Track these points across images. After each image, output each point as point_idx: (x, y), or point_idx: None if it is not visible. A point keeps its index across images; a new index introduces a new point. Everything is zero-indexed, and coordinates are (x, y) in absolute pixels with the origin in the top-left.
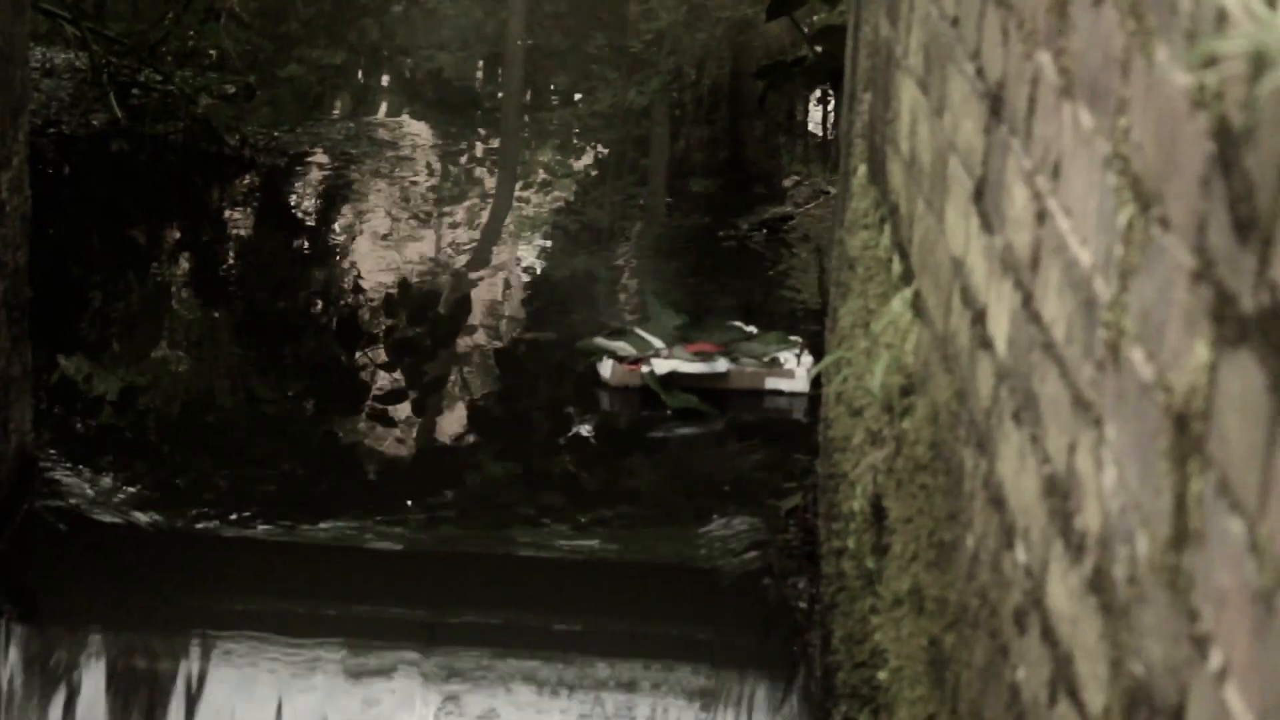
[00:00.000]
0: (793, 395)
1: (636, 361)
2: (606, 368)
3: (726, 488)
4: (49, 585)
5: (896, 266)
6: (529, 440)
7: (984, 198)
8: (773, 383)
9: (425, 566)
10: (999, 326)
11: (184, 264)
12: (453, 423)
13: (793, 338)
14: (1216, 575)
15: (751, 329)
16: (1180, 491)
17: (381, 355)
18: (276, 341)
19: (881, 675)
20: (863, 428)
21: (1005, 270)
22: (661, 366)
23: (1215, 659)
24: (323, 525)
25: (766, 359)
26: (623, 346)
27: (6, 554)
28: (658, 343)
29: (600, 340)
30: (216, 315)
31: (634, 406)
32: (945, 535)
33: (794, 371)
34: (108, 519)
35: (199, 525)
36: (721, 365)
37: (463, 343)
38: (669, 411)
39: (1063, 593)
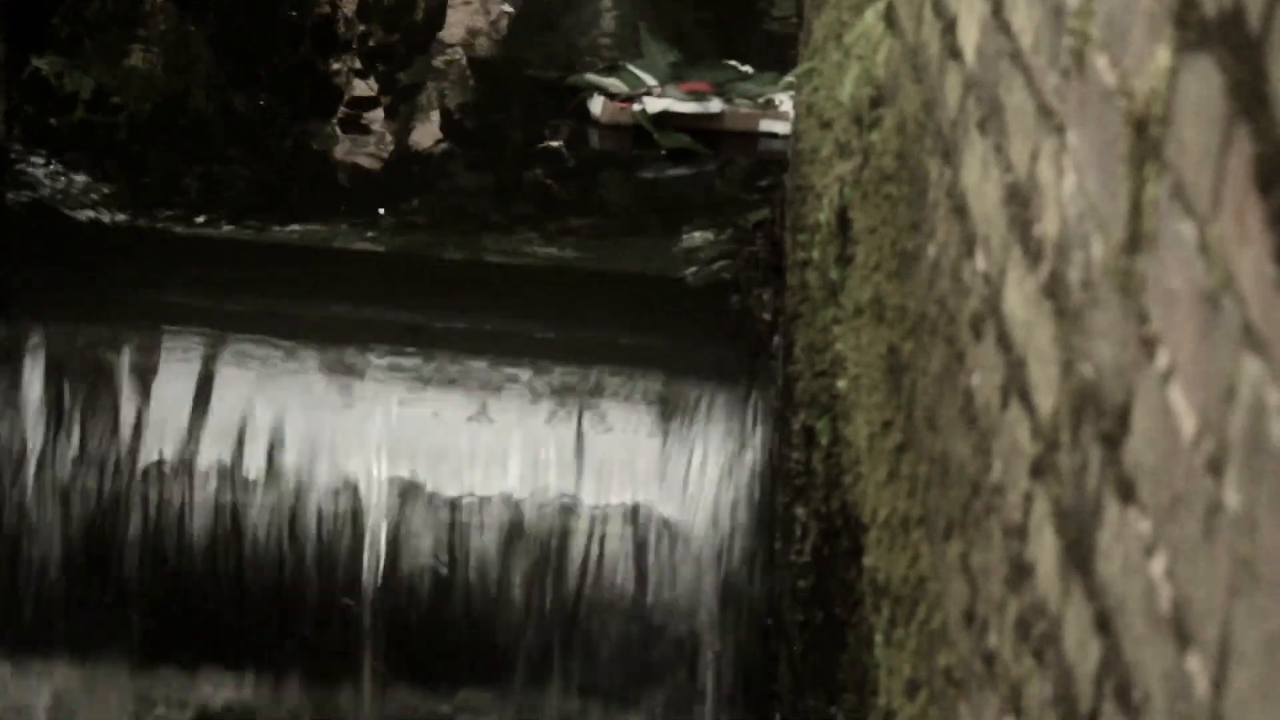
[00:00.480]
0: (787, 138)
1: (629, 99)
2: (597, 104)
3: (697, 202)
4: (18, 277)
5: None
6: (502, 152)
7: None
8: (767, 124)
9: (395, 269)
10: (968, 36)
11: None
12: (426, 132)
13: (788, 78)
14: (1167, 277)
15: (747, 69)
16: (1136, 196)
17: (355, 62)
18: (251, 46)
19: (840, 383)
20: (831, 139)
21: None
22: (654, 105)
23: (1162, 359)
24: (293, 228)
25: (761, 100)
26: (614, 83)
27: None
28: (650, 80)
29: (591, 76)
30: (192, 19)
31: (625, 145)
32: (908, 245)
33: (788, 113)
34: (78, 214)
35: (167, 224)
36: (715, 105)
37: (439, 55)
38: (662, 151)
39: (1019, 299)
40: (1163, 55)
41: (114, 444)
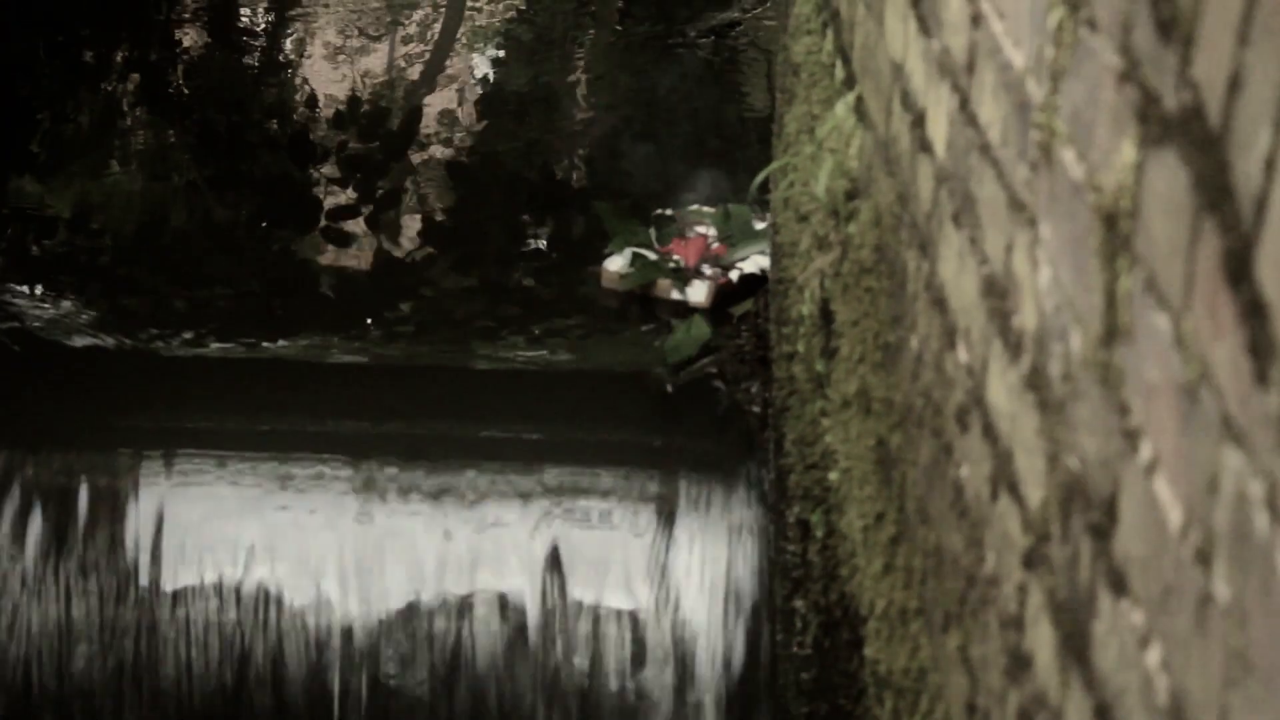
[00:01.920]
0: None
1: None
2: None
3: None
4: (7, 407)
5: (839, 72)
6: (485, 252)
7: (921, 1)
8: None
9: (385, 381)
10: (938, 130)
11: (134, 82)
12: (407, 237)
13: (759, 225)
14: (1145, 369)
15: (708, 210)
16: (1110, 289)
17: (334, 171)
18: (229, 159)
19: (832, 476)
20: (809, 232)
21: (943, 74)
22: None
23: (1145, 451)
24: (281, 343)
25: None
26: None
27: None
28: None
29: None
30: (168, 133)
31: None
32: (890, 337)
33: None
34: (64, 341)
35: (155, 345)
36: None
37: (416, 156)
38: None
39: (1002, 390)
40: (1128, 150)
41: (114, 570)
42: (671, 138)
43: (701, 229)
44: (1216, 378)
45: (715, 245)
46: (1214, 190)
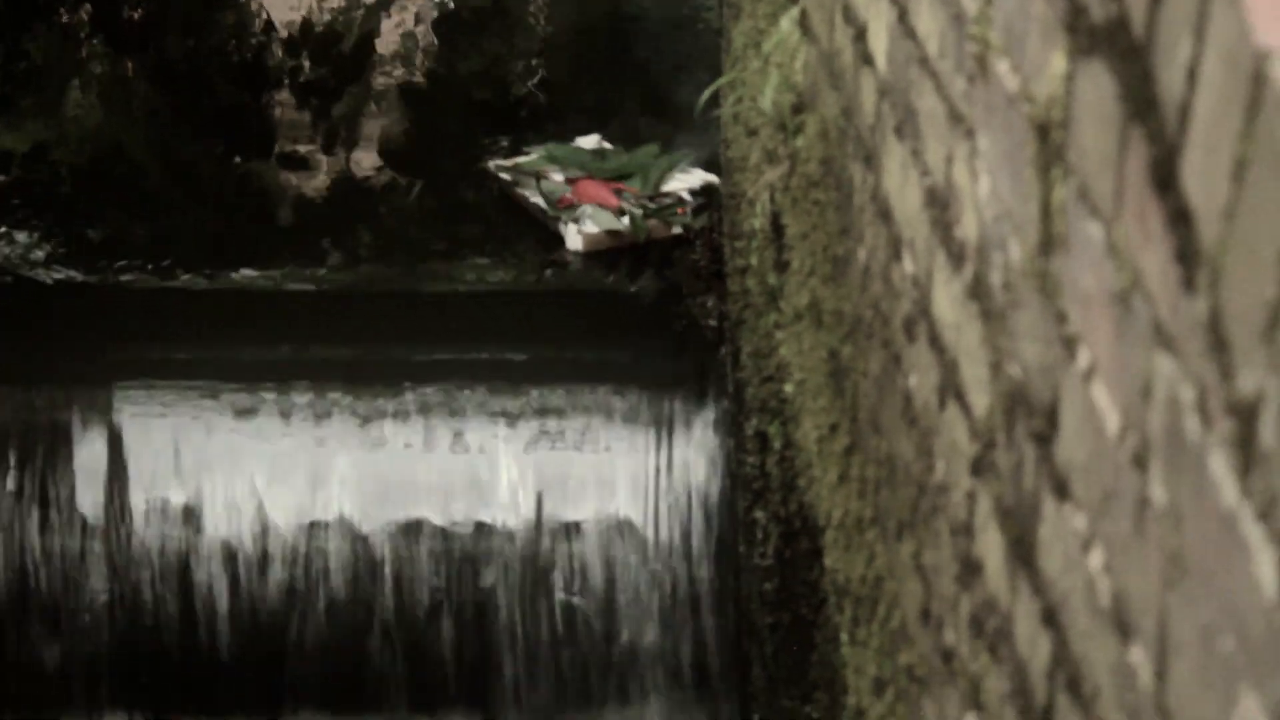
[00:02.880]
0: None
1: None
2: (574, 237)
3: None
4: None
5: None
6: (442, 175)
7: None
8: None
9: (347, 306)
10: (879, 43)
11: (87, 12)
12: (366, 162)
13: (675, 154)
14: (1081, 278)
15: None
16: (1046, 199)
17: (289, 97)
18: (184, 89)
19: (787, 388)
20: (759, 146)
21: None
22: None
23: (1083, 358)
24: (243, 272)
25: (666, 204)
26: (547, 180)
27: None
28: (569, 171)
29: (509, 164)
30: (124, 64)
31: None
32: (839, 249)
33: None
34: (25, 275)
35: (117, 278)
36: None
37: (373, 80)
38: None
39: (946, 301)
40: (1058, 61)
41: (76, 503)
42: (628, 57)
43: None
44: (1147, 285)
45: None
46: (1140, 100)
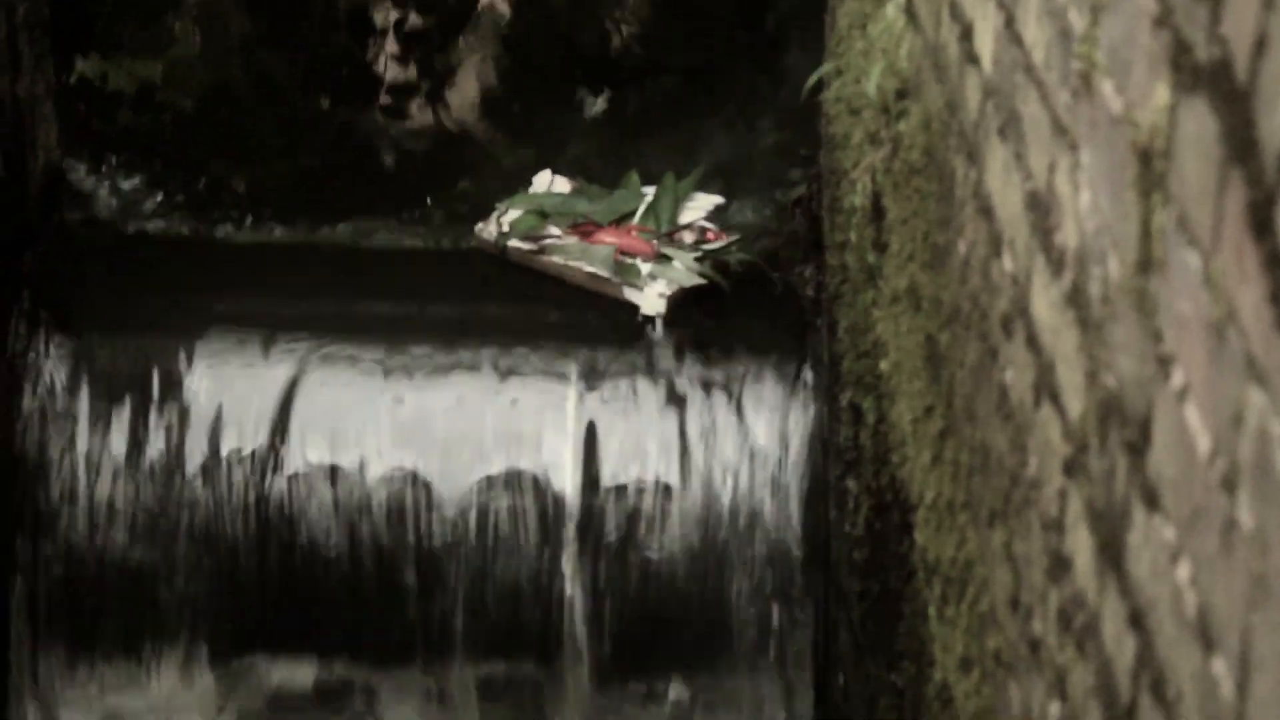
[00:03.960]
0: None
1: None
2: (654, 302)
3: (735, 176)
4: (81, 295)
5: None
6: (542, 125)
7: None
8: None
9: (443, 263)
10: (985, 44)
11: None
12: (466, 113)
13: (681, 182)
14: (1177, 302)
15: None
16: (1145, 221)
17: (393, 46)
18: (288, 37)
19: (883, 366)
20: (861, 128)
21: None
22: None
23: (1177, 378)
24: (342, 226)
25: (717, 245)
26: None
27: (40, 266)
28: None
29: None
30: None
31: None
32: (939, 238)
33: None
34: (133, 228)
35: (217, 229)
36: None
37: (475, 29)
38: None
39: (1045, 304)
40: (1162, 92)
41: (179, 449)
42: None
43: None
44: (1242, 319)
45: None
46: (1240, 143)
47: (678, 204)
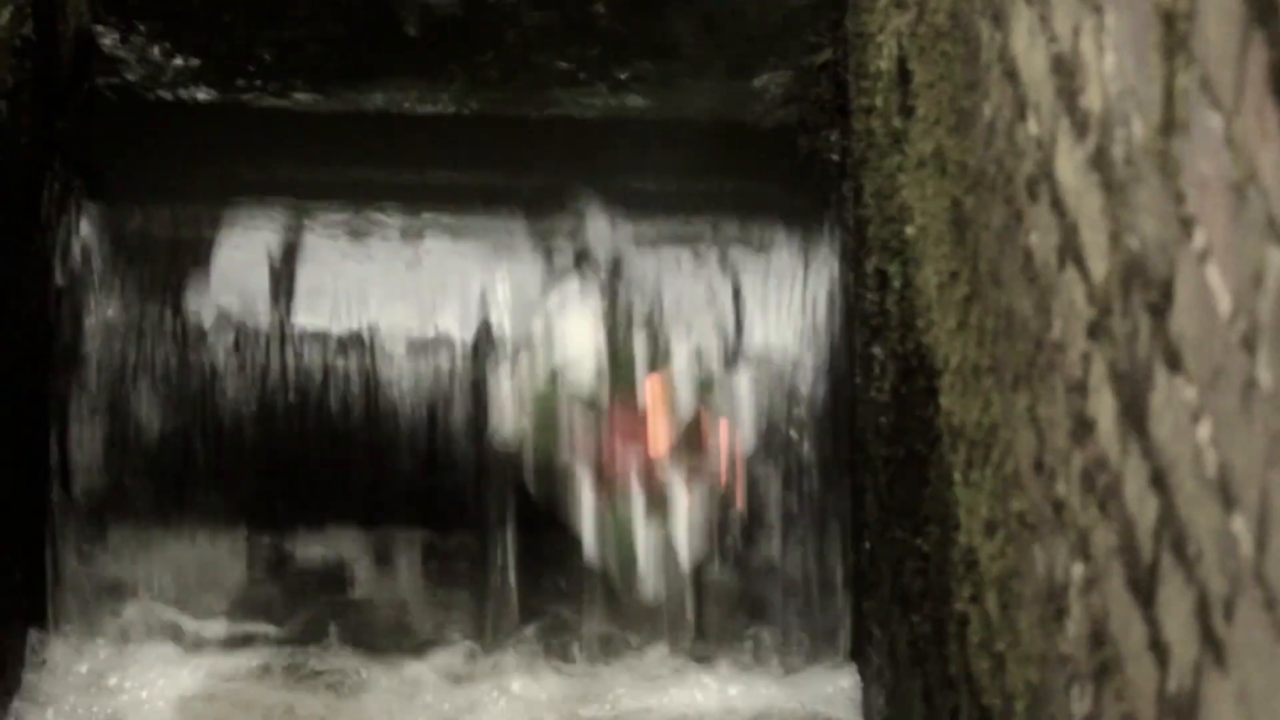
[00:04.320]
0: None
1: None
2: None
3: (761, 41)
4: (113, 161)
5: None
6: None
7: None
8: None
9: (469, 130)
10: None
11: None
12: None
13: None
14: (1199, 163)
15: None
16: (1169, 83)
17: None
18: None
19: (909, 231)
20: None
21: None
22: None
23: (1199, 239)
24: (369, 92)
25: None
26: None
27: (71, 132)
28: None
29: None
30: None
31: None
32: (965, 102)
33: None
34: (163, 94)
35: (245, 96)
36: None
37: None
38: None
39: (1069, 167)
40: None
41: (209, 316)
42: None
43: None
44: (1263, 180)
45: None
46: (1262, 4)
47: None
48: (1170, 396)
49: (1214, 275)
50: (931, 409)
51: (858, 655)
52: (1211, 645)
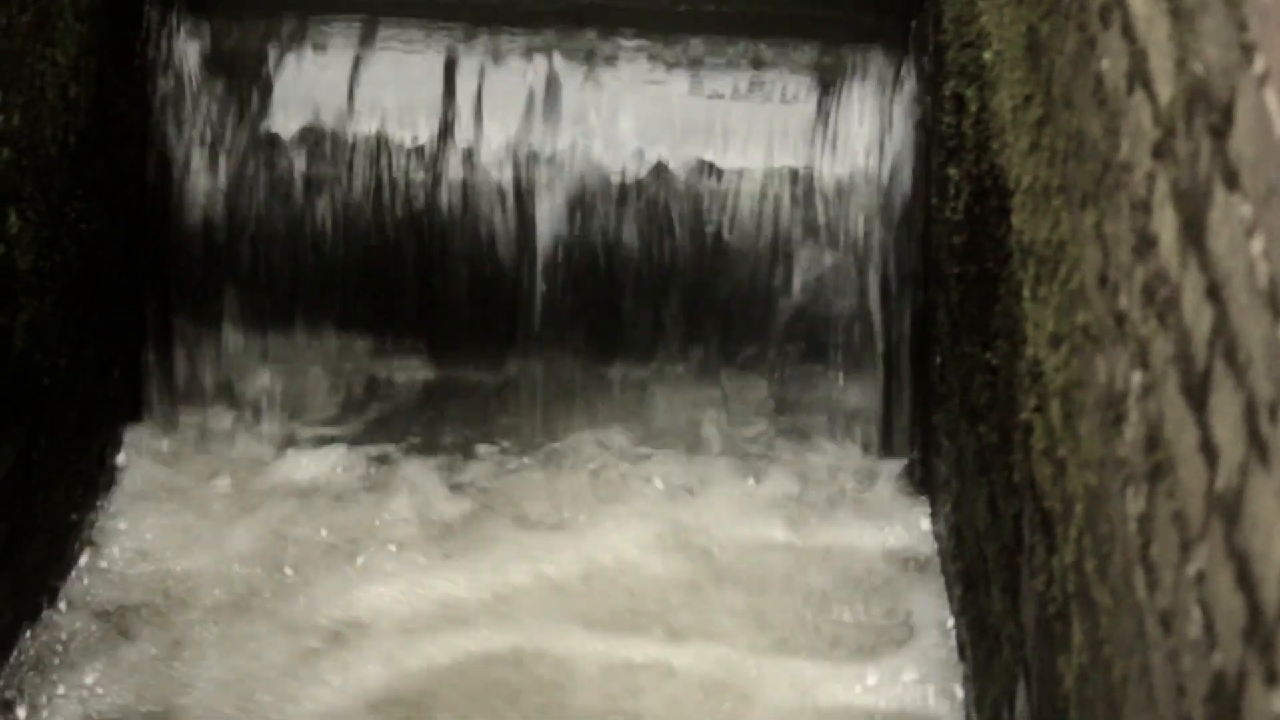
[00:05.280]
0: None
1: None
2: None
3: None
4: None
5: None
6: None
7: None
8: None
9: None
10: None
11: None
12: None
13: None
14: None
15: None
16: None
17: None
18: None
19: (986, 55)
20: None
21: None
22: None
23: (1259, 65)
24: None
25: None
26: None
27: None
28: None
29: None
30: None
31: None
32: None
33: None
34: None
35: None
36: None
37: None
38: None
39: None
40: None
41: (307, 129)
42: None
43: None
44: None
45: None
46: None
47: None
48: (1228, 213)
49: (1272, 99)
50: (1003, 228)
51: (926, 466)
52: (1257, 446)
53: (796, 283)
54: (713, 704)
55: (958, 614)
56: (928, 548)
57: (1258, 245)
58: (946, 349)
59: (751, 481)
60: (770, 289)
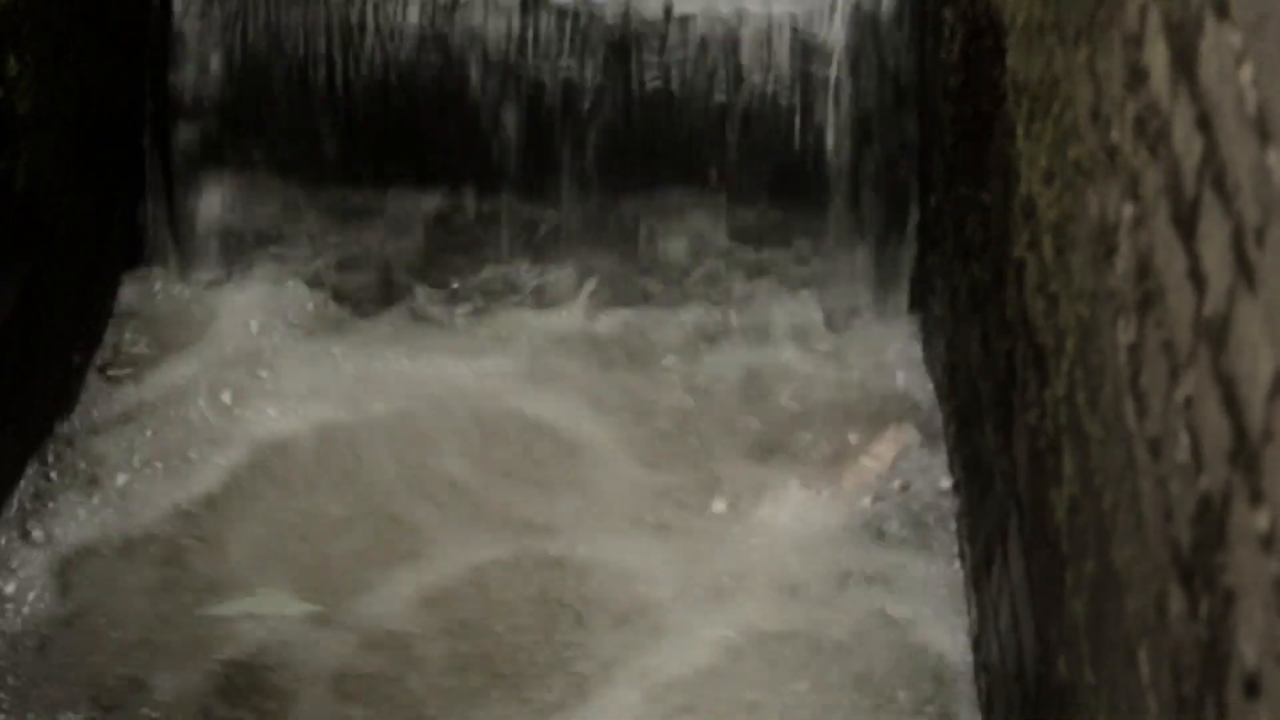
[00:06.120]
0: None
1: None
2: None
3: None
4: None
5: None
6: None
7: None
8: None
9: None
10: None
11: None
12: None
13: None
14: None
15: None
16: None
17: None
18: None
19: None
20: None
21: None
22: None
23: None
24: None
25: None
26: None
27: None
28: None
29: None
30: None
31: None
32: None
33: None
34: None
35: None
36: None
37: None
38: None
39: None
40: None
41: None
42: None
43: None
44: None
45: None
46: None
47: None
48: (1218, 42)
49: None
50: (998, 68)
51: (921, 306)
52: (1244, 270)
53: (796, 127)
54: None
55: (951, 452)
56: None
57: (1247, 73)
58: (941, 191)
59: None
60: (774, 131)
